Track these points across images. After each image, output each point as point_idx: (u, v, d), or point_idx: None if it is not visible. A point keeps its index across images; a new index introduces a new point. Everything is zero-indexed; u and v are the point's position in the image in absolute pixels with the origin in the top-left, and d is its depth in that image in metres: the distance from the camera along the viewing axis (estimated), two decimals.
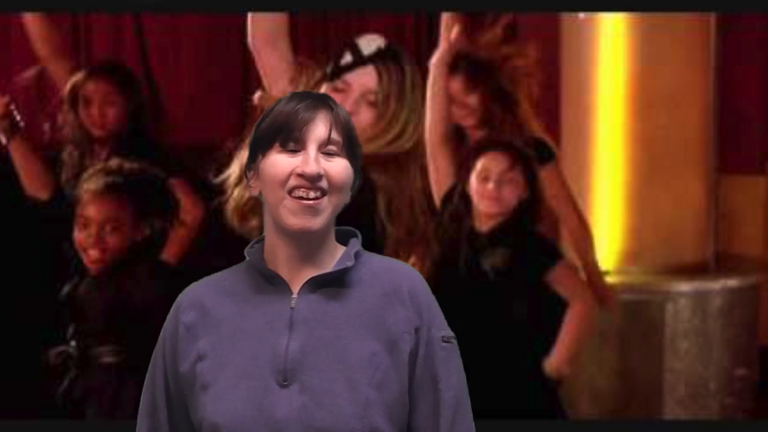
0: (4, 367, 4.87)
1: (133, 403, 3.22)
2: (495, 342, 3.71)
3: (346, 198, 1.95)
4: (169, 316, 1.99)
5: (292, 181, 1.90)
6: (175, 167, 4.09)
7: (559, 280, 3.81)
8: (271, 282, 1.93)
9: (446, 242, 3.72)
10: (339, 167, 1.92)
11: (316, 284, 1.92)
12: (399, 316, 1.91)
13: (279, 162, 1.91)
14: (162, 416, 2.01)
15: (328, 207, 1.91)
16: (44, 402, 3.46)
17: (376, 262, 1.99)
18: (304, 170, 1.89)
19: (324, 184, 1.90)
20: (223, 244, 3.06)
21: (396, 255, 2.97)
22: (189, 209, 3.94)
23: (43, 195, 4.26)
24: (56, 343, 3.39)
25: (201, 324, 1.94)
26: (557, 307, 3.81)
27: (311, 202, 1.90)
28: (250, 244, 1.99)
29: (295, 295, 1.92)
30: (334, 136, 1.92)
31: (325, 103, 1.94)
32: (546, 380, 3.79)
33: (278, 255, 1.94)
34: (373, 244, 2.90)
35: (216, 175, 3.11)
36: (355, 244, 1.98)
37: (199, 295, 1.97)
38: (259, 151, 1.95)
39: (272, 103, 1.99)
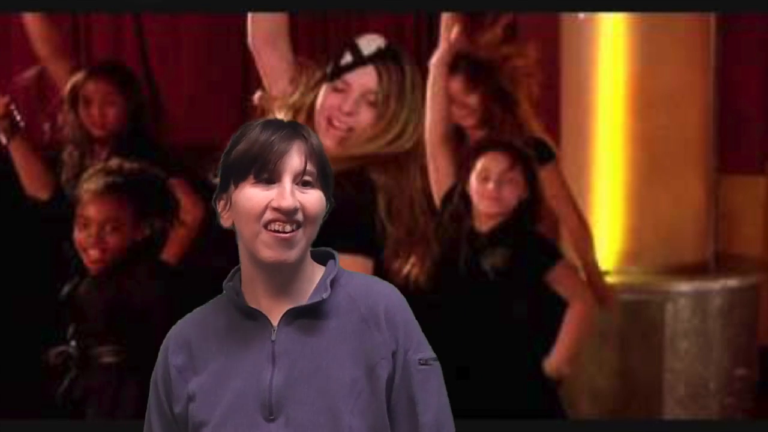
0: (4, 367, 4.87)
1: (133, 403, 3.23)
2: (495, 342, 3.71)
3: (318, 228, 1.93)
4: (159, 359, 1.99)
5: (268, 215, 1.88)
6: (175, 167, 4.09)
7: (559, 280, 3.81)
8: (251, 317, 1.93)
9: (446, 242, 3.71)
10: (313, 199, 1.90)
11: (294, 315, 1.92)
12: (375, 342, 1.91)
13: (254, 195, 1.89)
14: None
15: (303, 239, 1.90)
16: (44, 402, 3.46)
17: (353, 283, 1.97)
18: (280, 204, 1.87)
19: (299, 217, 1.89)
20: (223, 244, 3.06)
21: (396, 255, 2.98)
22: (189, 209, 3.94)
23: (43, 195, 4.26)
24: (56, 343, 3.39)
25: (190, 365, 1.95)
26: (557, 307, 3.82)
27: (287, 235, 1.88)
28: (228, 277, 1.98)
29: (275, 328, 1.92)
30: (309, 167, 1.90)
31: (299, 133, 1.92)
32: (546, 380, 3.79)
33: (256, 287, 1.94)
34: (373, 244, 2.91)
35: (216, 175, 3.09)
36: (332, 268, 1.97)
37: (186, 336, 1.97)
38: (231, 180, 1.93)
39: (240, 130, 1.96)
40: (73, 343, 3.35)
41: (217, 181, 2.00)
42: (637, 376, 5.08)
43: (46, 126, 4.41)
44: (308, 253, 1.95)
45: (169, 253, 3.98)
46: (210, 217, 4.15)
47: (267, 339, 1.91)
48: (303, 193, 1.90)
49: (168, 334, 2.00)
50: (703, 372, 5.10)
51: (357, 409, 1.88)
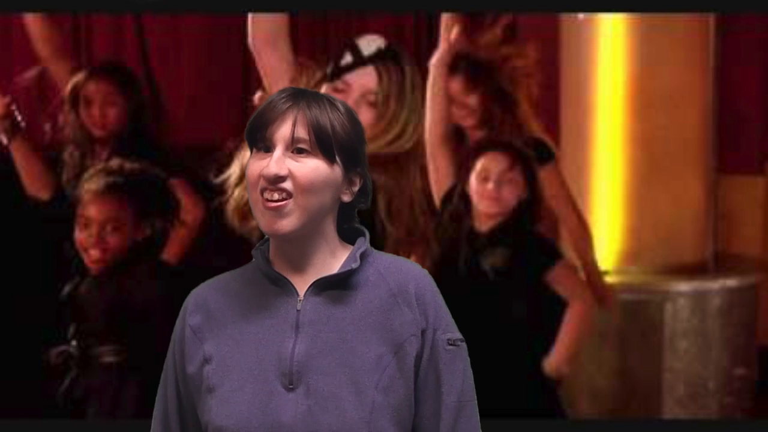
0: (5, 367, 4.87)
1: (133, 403, 3.24)
2: (495, 342, 3.71)
3: (321, 199, 1.88)
4: (178, 319, 1.98)
5: (261, 183, 1.87)
6: (175, 167, 4.10)
7: (558, 279, 3.81)
8: (277, 284, 1.91)
9: (446, 242, 3.72)
10: (306, 168, 1.86)
11: (322, 286, 1.90)
12: (405, 319, 1.89)
13: (252, 163, 1.89)
14: (173, 420, 1.98)
15: (296, 209, 1.86)
16: (45, 401, 3.46)
17: (383, 261, 1.95)
18: (263, 171, 1.86)
19: (288, 185, 1.86)
20: (224, 244, 3.08)
21: (396, 255, 2.98)
22: (189, 209, 3.95)
23: (44, 195, 4.27)
24: (57, 343, 3.39)
25: (206, 327, 1.93)
26: (557, 306, 3.82)
27: (275, 204, 1.86)
28: (259, 243, 1.96)
29: (301, 297, 1.89)
30: (300, 134, 1.86)
31: (297, 99, 1.89)
32: (545, 380, 3.80)
33: (280, 256, 1.92)
34: (373, 244, 2.91)
35: (216, 176, 3.11)
36: (362, 243, 1.95)
37: (205, 297, 1.96)
38: (250, 151, 1.93)
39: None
40: (73, 342, 3.35)
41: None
42: (637, 376, 5.09)
43: (47, 126, 4.42)
44: (330, 228, 1.93)
45: (170, 253, 3.99)
46: (210, 217, 4.16)
47: (292, 307, 1.89)
48: (295, 161, 1.87)
49: (189, 294, 1.99)
50: (702, 372, 5.10)
51: (381, 385, 1.85)
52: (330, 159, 1.89)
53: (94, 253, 3.30)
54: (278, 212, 1.86)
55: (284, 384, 1.86)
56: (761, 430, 4.64)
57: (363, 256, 1.93)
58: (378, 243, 2.92)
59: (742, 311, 5.21)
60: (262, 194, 1.87)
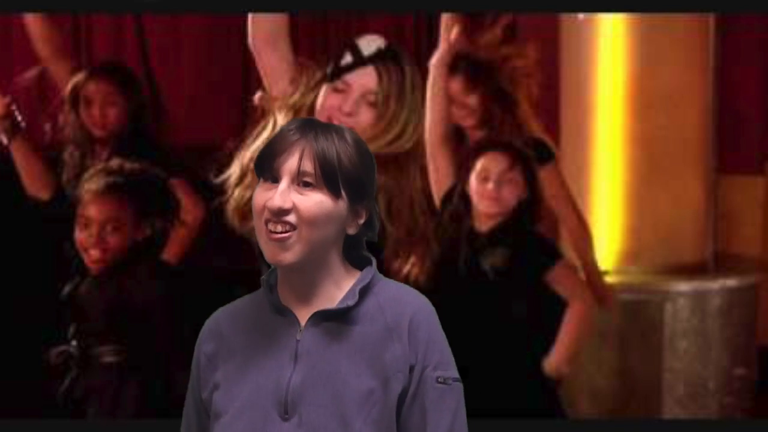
0: (5, 367, 4.88)
1: (133, 403, 3.24)
2: (494, 342, 3.72)
3: (325, 232, 1.89)
4: (196, 344, 2.01)
5: (266, 214, 1.88)
6: (175, 167, 4.10)
7: (558, 279, 3.82)
8: (281, 313, 1.93)
9: (446, 242, 3.72)
10: (310, 201, 1.88)
11: (321, 318, 1.91)
12: (396, 353, 1.88)
13: (258, 193, 1.91)
14: None
15: (299, 242, 1.88)
16: (45, 401, 3.46)
17: (387, 292, 1.95)
18: (267, 203, 1.87)
19: (292, 218, 1.87)
20: (224, 244, 3.08)
21: (396, 255, 2.98)
22: (190, 209, 3.95)
23: (44, 195, 4.27)
24: (57, 343, 3.39)
25: (219, 354, 1.96)
26: (556, 306, 3.82)
27: (278, 236, 1.87)
28: (269, 272, 1.97)
29: (301, 327, 1.91)
30: (306, 167, 1.87)
31: (306, 131, 1.90)
32: (545, 380, 3.80)
33: (286, 286, 1.94)
34: (373, 244, 2.91)
35: (216, 176, 3.11)
36: (367, 275, 1.94)
37: (219, 324, 1.98)
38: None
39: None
40: (74, 342, 3.35)
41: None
42: (637, 376, 5.09)
43: (47, 126, 4.42)
44: (335, 259, 1.94)
45: (170, 253, 3.99)
46: (210, 217, 4.16)
47: (293, 337, 1.91)
48: (300, 194, 1.88)
49: (207, 320, 2.01)
50: (702, 371, 5.11)
51: (370, 419, 1.86)
52: (335, 193, 1.89)
53: (94, 253, 3.30)
54: (281, 244, 1.88)
55: (280, 413, 1.88)
56: (761, 430, 4.64)
57: (366, 289, 1.93)
58: (378, 243, 2.92)
59: (741, 311, 5.21)
60: (266, 225, 1.89)
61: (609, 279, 4.76)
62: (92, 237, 3.29)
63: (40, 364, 3.41)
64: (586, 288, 4.02)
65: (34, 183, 4.27)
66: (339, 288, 1.94)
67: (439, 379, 1.89)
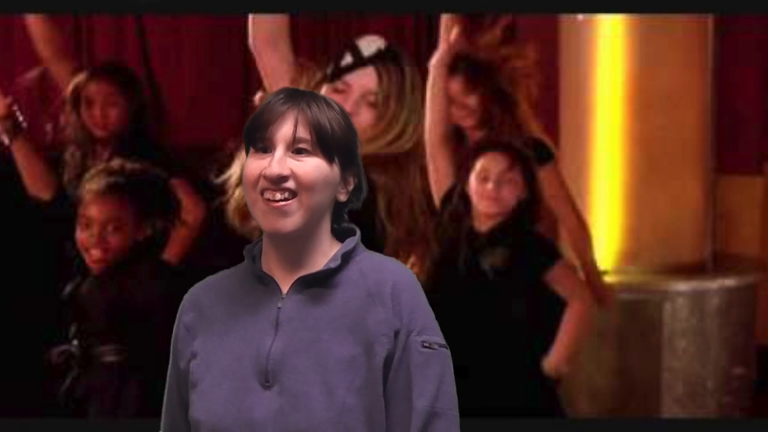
0: (6, 366, 4.88)
1: (135, 402, 3.25)
2: (494, 341, 3.73)
3: (322, 197, 1.90)
4: (177, 316, 2.01)
5: (261, 183, 1.88)
6: (176, 167, 4.11)
7: (557, 279, 3.82)
8: (263, 282, 1.93)
9: (446, 242, 3.73)
10: (308, 167, 1.88)
11: (304, 284, 1.91)
12: (378, 318, 1.87)
13: (250, 163, 1.90)
14: (177, 411, 2.00)
15: (300, 208, 1.88)
16: (46, 401, 3.47)
17: (370, 261, 1.95)
18: (265, 172, 1.87)
19: (291, 184, 1.87)
20: (224, 244, 3.08)
21: (396, 255, 2.99)
22: (190, 209, 3.96)
23: (45, 195, 4.27)
24: (58, 343, 3.40)
25: (198, 324, 1.96)
26: (556, 306, 3.83)
27: (278, 204, 1.87)
28: (252, 244, 1.99)
29: (283, 296, 1.91)
30: (301, 134, 1.88)
31: (296, 99, 1.91)
32: (545, 379, 3.81)
33: (271, 256, 1.94)
34: (373, 244, 2.92)
35: (217, 176, 3.12)
36: (350, 242, 1.95)
37: (198, 296, 1.99)
38: (246, 151, 1.94)
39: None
40: (75, 342, 3.36)
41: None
42: (636, 375, 5.10)
43: (49, 127, 4.42)
44: (325, 227, 1.94)
45: (171, 253, 4.00)
46: (211, 217, 4.17)
47: (274, 305, 1.90)
48: (297, 161, 1.88)
49: (187, 293, 2.01)
50: (701, 371, 5.11)
51: (354, 386, 1.84)
52: (329, 158, 1.90)
53: (96, 253, 3.31)
54: (282, 212, 1.88)
55: (261, 381, 1.87)
56: (760, 430, 4.65)
57: (347, 256, 1.93)
58: (378, 243, 2.93)
59: (740, 311, 5.22)
60: (261, 194, 1.88)
61: (608, 279, 4.76)
62: (93, 237, 3.30)
63: (42, 364, 3.42)
64: (586, 288, 4.03)
65: (36, 183, 4.28)
66: (325, 257, 1.93)
67: (425, 344, 1.88)
